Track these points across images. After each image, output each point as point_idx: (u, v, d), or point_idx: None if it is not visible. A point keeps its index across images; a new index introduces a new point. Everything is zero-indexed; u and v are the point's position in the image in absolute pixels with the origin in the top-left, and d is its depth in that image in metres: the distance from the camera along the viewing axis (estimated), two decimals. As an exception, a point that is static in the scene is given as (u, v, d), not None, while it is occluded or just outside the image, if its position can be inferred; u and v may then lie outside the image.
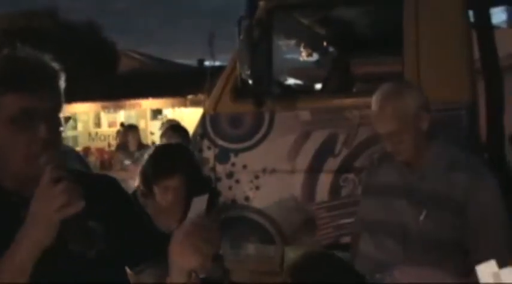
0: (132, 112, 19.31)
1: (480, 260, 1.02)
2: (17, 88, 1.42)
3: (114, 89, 17.28)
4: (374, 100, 2.54)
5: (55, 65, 1.51)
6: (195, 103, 16.03)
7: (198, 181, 2.94)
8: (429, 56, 3.93)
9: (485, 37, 4.36)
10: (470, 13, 4.25)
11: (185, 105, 17.01)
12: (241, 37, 4.06)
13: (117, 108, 18.83)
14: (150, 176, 2.92)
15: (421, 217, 2.43)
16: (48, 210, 1.31)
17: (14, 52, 1.49)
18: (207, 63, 20.55)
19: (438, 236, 2.42)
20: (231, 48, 4.26)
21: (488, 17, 4.44)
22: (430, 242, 2.42)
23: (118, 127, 18.40)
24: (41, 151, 1.40)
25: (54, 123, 1.46)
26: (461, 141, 3.67)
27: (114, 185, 1.74)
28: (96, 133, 20.68)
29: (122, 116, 19.88)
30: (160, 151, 3.04)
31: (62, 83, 1.52)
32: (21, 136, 1.42)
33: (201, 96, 16.06)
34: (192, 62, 24.80)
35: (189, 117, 15.10)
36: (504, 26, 13.66)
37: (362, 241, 2.70)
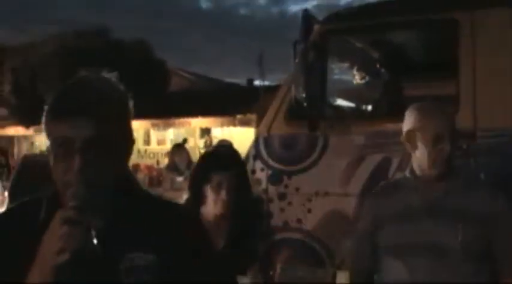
0: (182, 131, 19.51)
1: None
2: (56, 116, 1.42)
3: (164, 107, 17.50)
4: (418, 108, 2.70)
5: (117, 91, 1.49)
6: (244, 123, 16.11)
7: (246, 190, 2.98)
8: (486, 82, 3.90)
9: None
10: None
11: (234, 124, 17.10)
12: (297, 60, 4.10)
13: (167, 126, 19.04)
14: (201, 173, 2.90)
15: (459, 232, 2.45)
16: (46, 252, 1.28)
17: (80, 77, 1.48)
18: (256, 82, 20.70)
19: (475, 249, 2.46)
20: (279, 69, 4.32)
21: None
22: (469, 256, 2.45)
23: (167, 144, 18.65)
24: (74, 182, 1.38)
25: (96, 154, 1.40)
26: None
27: (180, 216, 1.60)
28: (145, 151, 20.93)
29: (171, 134, 20.11)
30: (209, 151, 3.07)
31: (119, 110, 1.48)
32: (59, 165, 1.42)
33: (250, 116, 16.17)
34: (241, 81, 24.99)
35: (238, 136, 15.18)
36: None
37: (388, 271, 2.66)
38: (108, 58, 16.61)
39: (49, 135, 1.43)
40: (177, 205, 1.82)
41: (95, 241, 1.31)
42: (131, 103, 1.53)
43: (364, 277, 2.79)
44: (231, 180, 2.87)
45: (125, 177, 1.54)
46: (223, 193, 2.85)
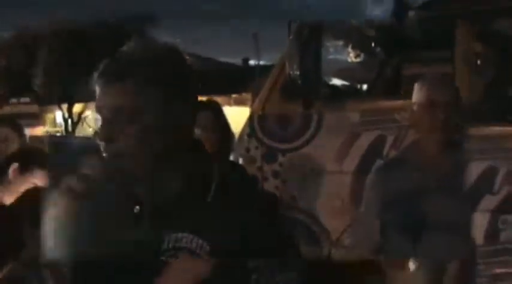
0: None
1: None
2: (96, 82, 1.32)
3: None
4: (428, 81, 2.70)
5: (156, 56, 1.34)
6: (239, 102, 16.13)
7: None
8: None
9: None
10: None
11: (229, 104, 17.12)
12: (291, 38, 4.10)
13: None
14: None
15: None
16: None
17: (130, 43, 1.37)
18: (251, 62, 20.67)
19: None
20: (276, 48, 4.32)
21: None
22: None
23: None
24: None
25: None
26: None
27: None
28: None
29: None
30: None
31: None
32: None
33: (245, 95, 16.17)
34: (236, 60, 24.92)
35: (233, 116, 15.17)
36: None
37: (395, 246, 2.68)
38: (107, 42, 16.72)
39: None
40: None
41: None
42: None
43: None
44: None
45: (195, 147, 1.42)
46: None
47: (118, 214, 1.33)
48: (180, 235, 1.32)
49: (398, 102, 4.30)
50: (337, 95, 4.88)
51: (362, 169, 4.18)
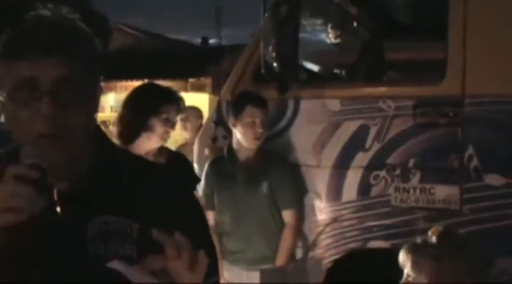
0: (124, 96, 19.45)
1: None
2: (17, 55, 1.40)
3: (104, 68, 17.42)
4: None
5: (84, 31, 1.50)
6: (197, 88, 16.16)
7: None
8: (477, 43, 4.05)
9: None
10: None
11: (186, 90, 17.11)
12: (267, 15, 4.25)
13: (106, 90, 18.96)
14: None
15: None
16: None
17: (38, 13, 1.47)
18: (212, 41, 20.70)
19: None
20: (241, 25, 4.45)
21: None
22: None
23: (107, 112, 18.56)
24: (44, 130, 1.37)
25: (67, 98, 1.40)
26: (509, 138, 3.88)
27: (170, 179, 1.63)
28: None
29: (111, 99, 20.01)
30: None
31: (91, 50, 1.52)
32: (23, 113, 1.40)
33: (204, 80, 16.24)
34: (189, 37, 24.78)
35: (191, 103, 15.22)
36: None
37: None
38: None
39: (6, 77, 1.41)
40: (166, 168, 1.93)
41: (56, 203, 1.36)
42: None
43: None
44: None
45: (96, 130, 1.58)
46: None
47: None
48: (104, 218, 1.44)
49: (383, 89, 4.50)
50: (315, 80, 5.04)
51: (341, 163, 4.36)
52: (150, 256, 1.30)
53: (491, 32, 4.05)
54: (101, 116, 18.86)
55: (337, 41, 5.65)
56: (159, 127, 3.51)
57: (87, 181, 1.48)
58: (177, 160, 3.78)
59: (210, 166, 4.39)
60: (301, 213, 4.36)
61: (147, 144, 3.55)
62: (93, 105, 1.53)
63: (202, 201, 4.02)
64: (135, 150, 3.47)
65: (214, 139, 4.63)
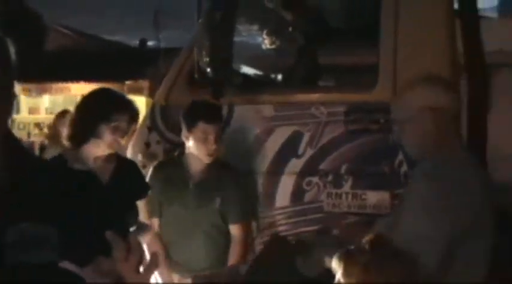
0: (59, 98, 19.18)
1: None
2: None
3: (39, 69, 17.16)
4: None
5: None
6: (134, 91, 16.03)
7: None
8: (408, 48, 4.13)
9: (471, 28, 4.58)
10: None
11: (123, 92, 17.02)
12: (201, 20, 4.25)
13: (41, 91, 18.68)
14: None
15: None
16: None
17: None
18: (150, 43, 20.60)
19: None
20: (180, 28, 4.45)
21: (475, 5, 4.64)
22: None
23: (41, 114, 18.30)
24: None
25: None
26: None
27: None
28: (14, 120, 20.49)
29: (46, 101, 19.74)
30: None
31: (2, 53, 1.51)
32: None
33: (142, 82, 16.14)
34: (126, 39, 24.59)
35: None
36: (493, 14, 13.49)
37: None
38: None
39: None
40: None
41: None
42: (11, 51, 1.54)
43: None
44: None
45: (8, 135, 1.56)
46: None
47: None
48: (23, 225, 1.43)
49: (316, 95, 4.55)
50: (249, 85, 5.05)
51: (274, 169, 4.40)
52: (100, 258, 1.32)
53: (421, 37, 4.12)
54: (35, 118, 18.67)
55: (273, 46, 5.68)
56: (107, 135, 3.46)
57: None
58: (127, 167, 3.75)
59: (156, 170, 4.25)
60: (250, 227, 4.33)
61: (95, 150, 3.51)
62: (5, 110, 1.49)
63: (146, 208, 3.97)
64: (84, 155, 3.51)
65: (148, 145, 4.61)
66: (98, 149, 3.52)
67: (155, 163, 4.33)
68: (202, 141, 4.04)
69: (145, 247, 3.82)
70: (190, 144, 4.09)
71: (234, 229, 4.18)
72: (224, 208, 4.13)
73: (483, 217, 2.77)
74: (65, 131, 8.04)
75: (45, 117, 17.59)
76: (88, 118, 3.50)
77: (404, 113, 2.94)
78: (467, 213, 2.70)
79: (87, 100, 3.63)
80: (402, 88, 3.10)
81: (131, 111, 3.58)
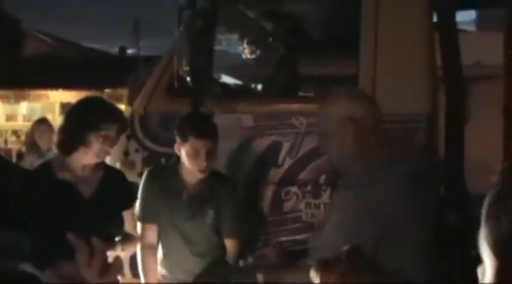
0: (37, 105, 19.09)
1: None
2: None
3: (16, 76, 17.08)
4: None
5: None
6: (113, 99, 15.94)
7: None
8: (387, 60, 4.17)
9: (449, 41, 4.60)
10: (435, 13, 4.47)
11: (101, 100, 16.96)
12: (181, 28, 4.26)
13: (19, 98, 18.58)
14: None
15: None
16: None
17: None
18: (130, 51, 20.55)
19: None
20: (159, 36, 4.46)
21: (454, 18, 4.67)
22: None
23: (19, 121, 18.18)
24: None
25: None
26: (417, 156, 3.97)
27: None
28: (-10, 128, 20.32)
29: (24, 108, 19.63)
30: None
31: None
32: None
33: (121, 91, 16.07)
34: (110, 48, 24.60)
35: (106, 114, 15.02)
36: (471, 28, 13.67)
37: None
38: None
39: None
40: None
41: None
42: None
43: None
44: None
45: None
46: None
47: None
48: None
49: (295, 105, 4.56)
50: (228, 95, 5.06)
51: (254, 179, 4.41)
52: (62, 262, 1.32)
53: (401, 48, 4.16)
54: (13, 125, 18.55)
55: (253, 55, 5.71)
56: (96, 144, 3.44)
57: None
58: (114, 176, 3.73)
59: (150, 176, 4.08)
60: (243, 239, 4.15)
61: (83, 159, 3.49)
62: None
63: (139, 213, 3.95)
64: (72, 163, 3.50)
65: (126, 153, 4.59)
66: (86, 157, 3.51)
67: (150, 167, 4.19)
68: (193, 156, 3.83)
69: (125, 256, 3.80)
70: (182, 158, 3.93)
71: (229, 244, 4.04)
72: (217, 222, 4.00)
73: (404, 219, 2.79)
74: (42, 138, 8.04)
75: (22, 124, 17.46)
76: (77, 126, 3.49)
77: (327, 124, 2.98)
78: (387, 218, 2.74)
79: (77, 108, 3.62)
80: (323, 100, 3.13)
81: (120, 120, 3.57)
